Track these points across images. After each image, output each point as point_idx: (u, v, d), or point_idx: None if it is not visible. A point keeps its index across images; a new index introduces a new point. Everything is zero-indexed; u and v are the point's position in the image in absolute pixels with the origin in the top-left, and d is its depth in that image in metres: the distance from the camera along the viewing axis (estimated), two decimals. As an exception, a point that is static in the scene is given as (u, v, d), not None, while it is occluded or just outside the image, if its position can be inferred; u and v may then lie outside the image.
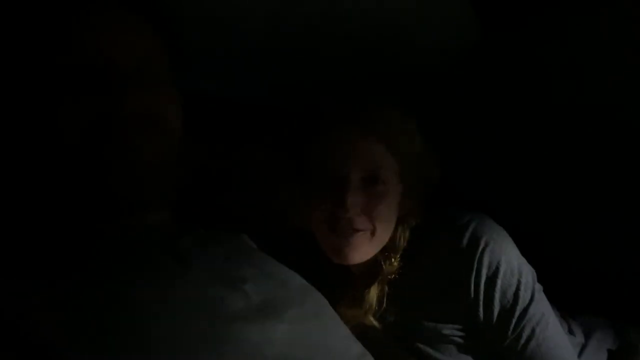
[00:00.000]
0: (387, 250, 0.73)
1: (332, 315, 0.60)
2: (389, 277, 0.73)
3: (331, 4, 0.76)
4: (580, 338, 0.82)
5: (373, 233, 0.70)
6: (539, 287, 0.71)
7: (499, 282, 0.67)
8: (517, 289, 0.67)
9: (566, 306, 0.85)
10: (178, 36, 0.57)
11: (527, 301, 0.67)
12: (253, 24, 0.78)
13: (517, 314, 0.67)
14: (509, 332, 0.67)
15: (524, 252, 0.72)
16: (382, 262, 0.73)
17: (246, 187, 0.83)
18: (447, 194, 0.82)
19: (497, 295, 0.67)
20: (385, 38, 0.84)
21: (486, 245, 0.67)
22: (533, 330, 0.67)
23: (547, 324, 0.68)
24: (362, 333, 0.63)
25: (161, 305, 0.45)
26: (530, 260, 0.72)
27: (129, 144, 0.50)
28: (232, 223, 0.71)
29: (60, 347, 0.39)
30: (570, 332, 0.82)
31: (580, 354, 0.80)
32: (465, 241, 0.68)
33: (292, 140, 0.76)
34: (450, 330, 0.71)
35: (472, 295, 0.67)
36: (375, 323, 0.73)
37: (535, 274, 0.71)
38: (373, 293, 0.73)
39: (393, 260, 0.73)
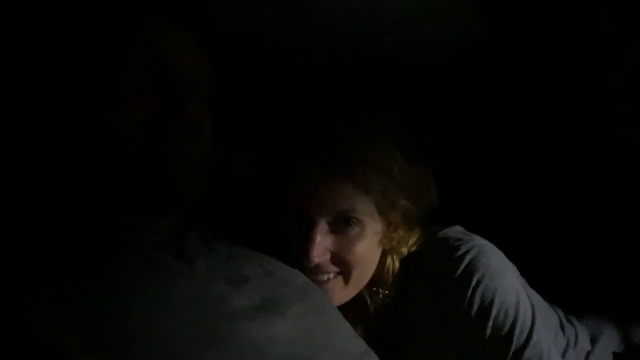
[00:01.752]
0: (374, 285, 0.68)
1: (334, 313, 0.60)
2: (373, 313, 0.68)
3: (331, 4, 0.76)
4: (585, 344, 0.81)
5: (347, 279, 0.64)
6: (539, 323, 0.65)
7: (489, 324, 0.62)
8: (511, 332, 0.62)
9: (569, 305, 0.85)
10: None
11: (521, 343, 0.63)
12: (253, 24, 0.79)
13: (510, 354, 0.63)
14: None
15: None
16: (368, 299, 0.68)
17: (246, 187, 0.83)
18: (447, 194, 0.81)
19: (488, 333, 0.63)
20: (386, 38, 0.85)
21: (479, 282, 0.62)
22: None
23: None
24: None
25: (164, 303, 0.45)
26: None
27: (174, 148, 0.51)
28: (233, 222, 0.70)
29: (61, 347, 0.39)
30: (576, 340, 0.80)
31: None
32: (457, 275, 0.63)
33: (280, 145, 0.72)
34: None
35: (464, 334, 0.64)
36: None
37: (534, 309, 0.66)
38: (357, 332, 0.66)
39: (380, 294, 0.68)
